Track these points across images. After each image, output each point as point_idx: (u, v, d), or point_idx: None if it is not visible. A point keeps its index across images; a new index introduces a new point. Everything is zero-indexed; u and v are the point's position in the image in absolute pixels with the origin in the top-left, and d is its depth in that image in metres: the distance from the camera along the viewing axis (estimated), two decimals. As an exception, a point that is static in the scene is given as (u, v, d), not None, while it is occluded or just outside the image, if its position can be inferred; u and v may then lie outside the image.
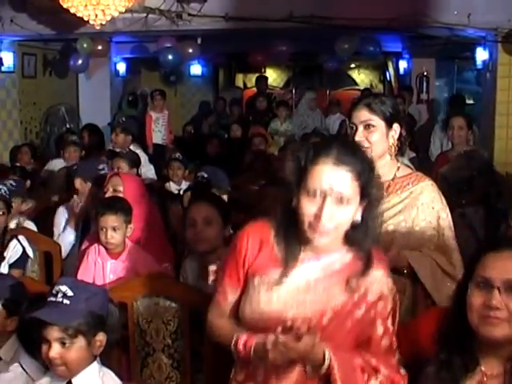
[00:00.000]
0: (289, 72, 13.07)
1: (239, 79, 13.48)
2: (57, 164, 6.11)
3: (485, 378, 1.65)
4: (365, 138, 2.34)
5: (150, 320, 2.79)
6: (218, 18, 6.47)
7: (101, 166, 4.29)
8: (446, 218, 2.43)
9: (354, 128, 2.39)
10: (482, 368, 1.66)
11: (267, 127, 8.21)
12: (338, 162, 1.68)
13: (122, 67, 10.11)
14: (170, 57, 7.97)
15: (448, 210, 2.45)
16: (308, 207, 1.70)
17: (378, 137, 2.37)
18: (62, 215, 4.15)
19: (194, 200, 2.96)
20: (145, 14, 6.58)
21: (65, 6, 5.26)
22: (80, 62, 8.17)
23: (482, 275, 1.62)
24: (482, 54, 7.01)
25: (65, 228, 4.06)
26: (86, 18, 5.34)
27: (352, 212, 1.72)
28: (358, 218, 1.74)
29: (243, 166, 6.09)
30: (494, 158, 6.33)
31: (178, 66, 9.42)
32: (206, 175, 4.35)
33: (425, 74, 9.59)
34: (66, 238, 3.99)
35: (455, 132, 4.67)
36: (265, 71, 13.20)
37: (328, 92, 12.07)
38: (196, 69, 11.37)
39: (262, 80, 10.56)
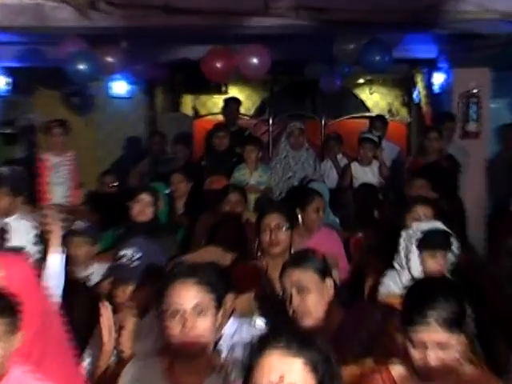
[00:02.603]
0: (264, 92, 13.21)
1: (187, 103, 13.57)
2: None
3: None
4: None
5: None
6: (153, 10, 6.51)
7: None
8: None
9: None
10: None
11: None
12: (288, 351, 2.18)
13: (2, 82, 10.14)
14: (80, 67, 7.99)
15: None
16: None
17: None
18: None
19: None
20: (38, 0, 6.60)
21: None
22: None
23: None
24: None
25: None
26: None
27: None
28: None
29: (195, 236, 6.07)
30: None
31: (91, 83, 9.42)
32: (134, 254, 4.19)
33: (474, 92, 9.68)
34: None
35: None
36: (227, 90, 13.33)
37: (323, 122, 12.20)
38: (119, 87, 11.45)
39: (232, 104, 10.68)
